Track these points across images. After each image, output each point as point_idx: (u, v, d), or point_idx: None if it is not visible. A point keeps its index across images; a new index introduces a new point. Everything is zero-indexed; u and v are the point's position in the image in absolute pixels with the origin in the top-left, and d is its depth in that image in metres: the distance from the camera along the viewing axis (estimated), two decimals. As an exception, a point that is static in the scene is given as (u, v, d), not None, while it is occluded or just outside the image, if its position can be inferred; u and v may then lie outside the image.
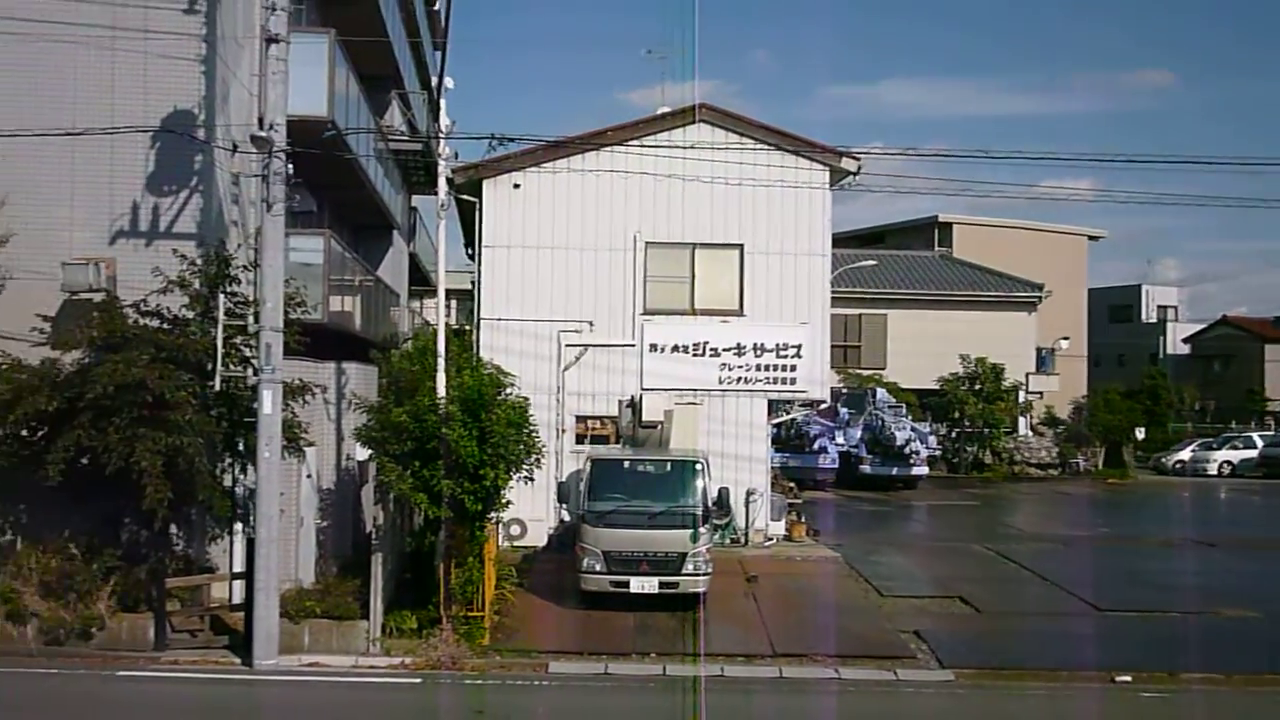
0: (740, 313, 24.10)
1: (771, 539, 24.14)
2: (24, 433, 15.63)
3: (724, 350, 23.95)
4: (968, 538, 26.79)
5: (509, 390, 17.35)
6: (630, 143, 23.54)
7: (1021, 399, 44.63)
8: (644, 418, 22.55)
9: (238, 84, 17.86)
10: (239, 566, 16.38)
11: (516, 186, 23.72)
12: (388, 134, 26.25)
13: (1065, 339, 48.44)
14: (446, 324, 19.42)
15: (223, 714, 13.71)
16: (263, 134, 14.72)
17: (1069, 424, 48.52)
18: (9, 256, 16.67)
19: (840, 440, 37.05)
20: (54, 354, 15.92)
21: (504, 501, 17.03)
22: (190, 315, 16.01)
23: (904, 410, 38.55)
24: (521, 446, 16.77)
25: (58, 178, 16.96)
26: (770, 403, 24.39)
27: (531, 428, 17.22)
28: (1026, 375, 45.05)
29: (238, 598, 16.09)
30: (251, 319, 15.32)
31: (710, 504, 18.63)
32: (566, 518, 22.24)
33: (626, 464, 19.60)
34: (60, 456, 14.82)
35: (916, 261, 48.52)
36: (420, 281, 37.11)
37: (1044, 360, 47.30)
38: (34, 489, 15.52)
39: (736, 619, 17.70)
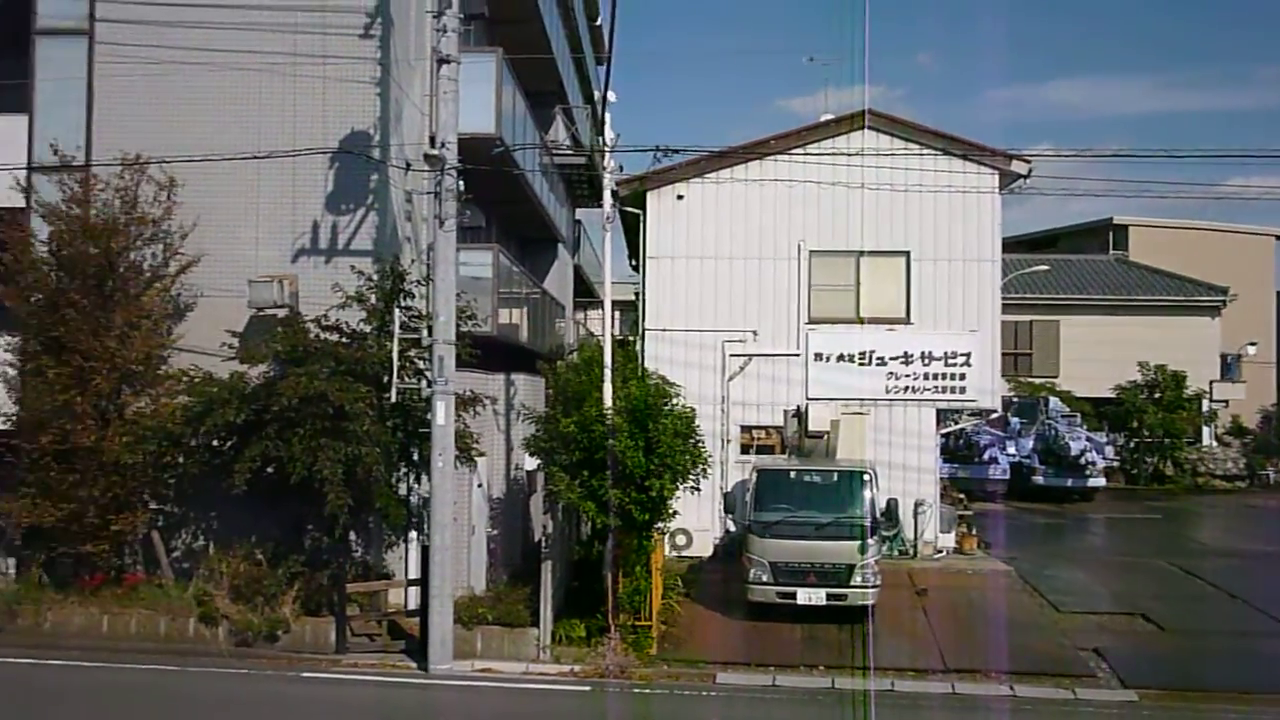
0: (907, 320, 23.70)
1: (941, 551, 23.62)
2: (214, 443, 16.45)
3: (891, 359, 23.58)
4: (1149, 552, 25.71)
5: (675, 401, 17.42)
6: (794, 150, 23.44)
7: (1205, 408, 42.64)
8: (810, 428, 22.35)
9: (410, 104, 18.41)
10: (414, 573, 16.84)
11: (680, 198, 23.84)
12: (553, 149, 26.70)
13: (1253, 344, 46.08)
14: (611, 335, 19.61)
15: (400, 717, 14.08)
16: (435, 152, 15.12)
17: (1257, 434, 46.15)
18: (200, 276, 17.52)
19: (1011, 450, 36.03)
20: (242, 368, 16.65)
21: (670, 511, 17.09)
22: (367, 329, 16.55)
23: (1078, 419, 37.28)
24: (688, 457, 16.81)
25: (244, 200, 17.74)
26: (939, 412, 23.90)
27: (698, 438, 17.28)
28: (1210, 383, 43.03)
29: (413, 603, 16.54)
30: (425, 332, 15.73)
31: (878, 515, 18.38)
32: (732, 528, 22.22)
33: (793, 474, 19.44)
34: (247, 466, 15.53)
35: (1091, 265, 46.87)
36: (584, 293, 37.64)
37: (1229, 367, 45.09)
38: (223, 497, 16.29)
39: (906, 632, 17.37)
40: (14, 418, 16.98)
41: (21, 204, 17.49)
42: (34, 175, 17.71)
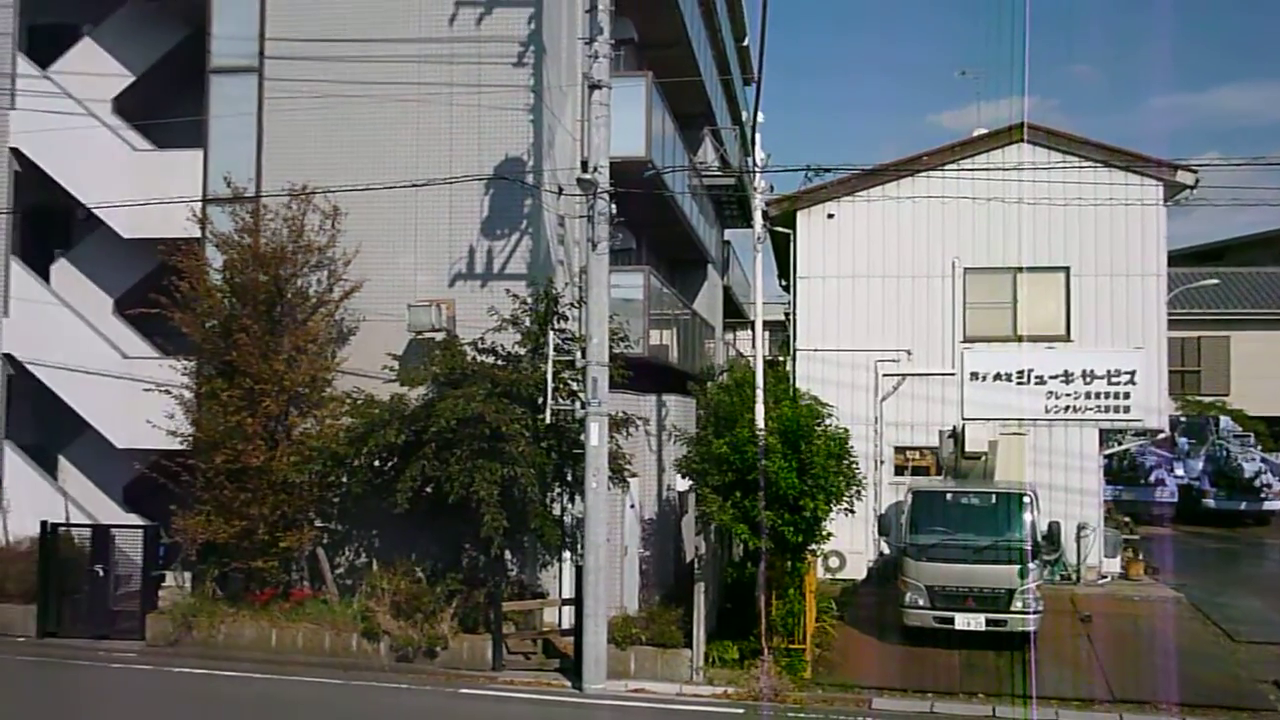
0: (1067, 338, 23.06)
1: (1105, 577, 22.83)
2: (376, 463, 16.90)
3: (1050, 378, 22.96)
4: (1332, 580, 24.39)
5: (827, 421, 17.27)
6: (947, 166, 23.09)
7: (1394, 426, 40.29)
8: (966, 449, 21.85)
9: (562, 129, 18.71)
10: (568, 592, 17.03)
11: (830, 216, 23.69)
12: (701, 170, 26.80)
13: None
14: (762, 355, 19.50)
15: (556, 735, 14.25)
16: (588, 176, 15.31)
17: None
18: (362, 300, 18.05)
19: (1179, 472, 34.60)
20: (401, 390, 17.09)
21: (824, 533, 16.90)
22: (522, 352, 16.82)
23: (1252, 439, 35.58)
24: (841, 478, 16.60)
25: (403, 226, 18.22)
26: (1101, 432, 23.15)
27: (851, 459, 17.06)
28: (1398, 400, 40.63)
29: (567, 622, 16.72)
30: (578, 354, 15.91)
31: (1039, 539, 17.86)
32: (886, 551, 21.88)
33: (949, 496, 19.02)
34: (407, 485, 15.92)
35: (1263, 278, 44.74)
36: (733, 314, 37.61)
37: None
38: (385, 515, 16.73)
39: (1070, 661, 16.81)
40: (190, 438, 17.73)
41: (198, 234, 18.32)
42: (209, 207, 18.56)
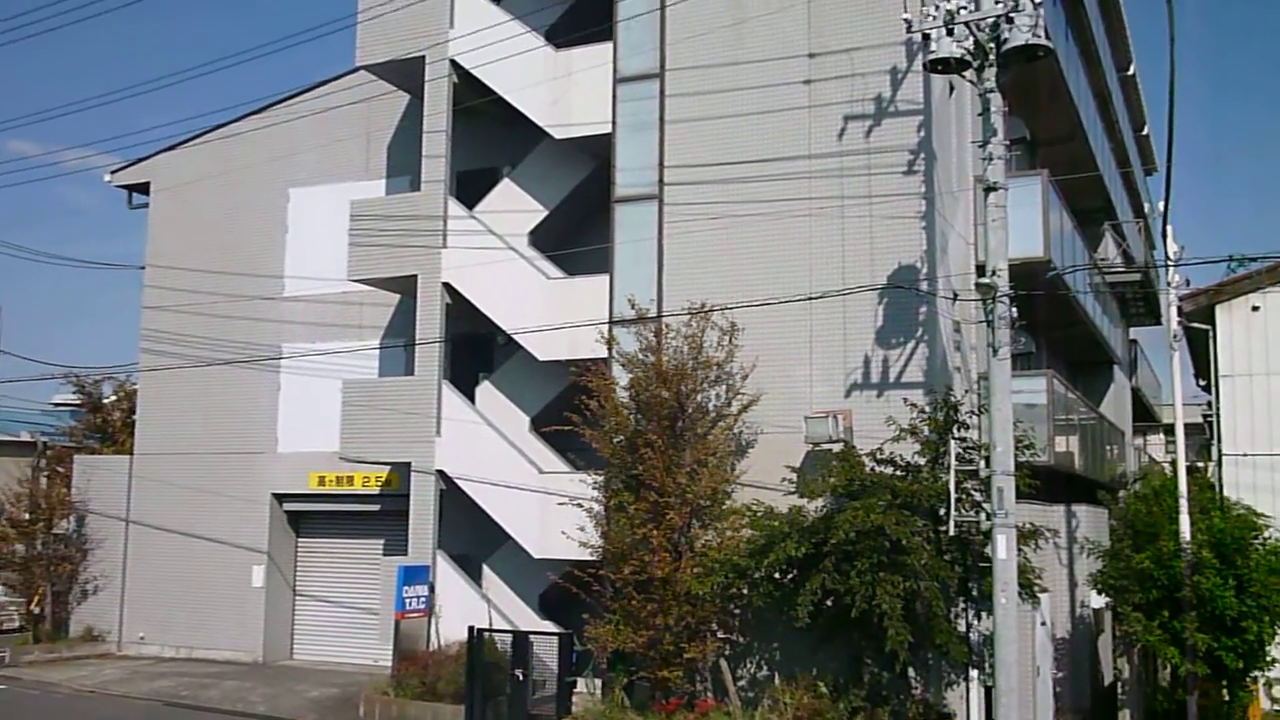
0: None
1: None
2: (776, 575, 16.91)
3: None
4: None
5: (1265, 533, 15.71)
6: (1393, 246, 20.76)
7: None
8: None
9: (954, 234, 18.43)
10: (974, 714, 16.23)
11: (1255, 309, 21.83)
12: (1104, 267, 25.58)
13: None
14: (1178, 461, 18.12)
15: None
16: (986, 280, 14.87)
17: None
18: (759, 413, 18.29)
19: None
20: (800, 501, 17.11)
21: (1269, 659, 15.25)
22: (921, 462, 16.44)
23: None
24: (1286, 597, 15.02)
25: (798, 339, 18.39)
26: None
27: (1298, 575, 15.40)
28: None
29: (977, 746, 15.91)
30: (981, 464, 15.36)
31: None
32: (1342, 681, 19.38)
33: None
34: (807, 598, 15.79)
35: None
36: (1143, 416, 35.25)
37: None
38: (785, 628, 16.71)
39: None
40: (600, 549, 18.49)
41: (604, 355, 19.34)
42: (614, 328, 19.59)
